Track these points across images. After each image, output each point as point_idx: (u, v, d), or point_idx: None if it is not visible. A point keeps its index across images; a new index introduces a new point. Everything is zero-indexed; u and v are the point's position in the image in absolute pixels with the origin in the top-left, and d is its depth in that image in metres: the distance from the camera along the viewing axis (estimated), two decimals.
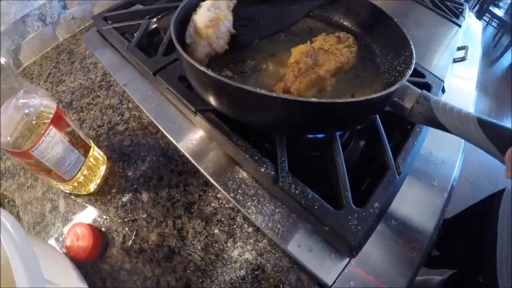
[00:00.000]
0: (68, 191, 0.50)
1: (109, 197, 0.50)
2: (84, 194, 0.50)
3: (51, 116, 0.43)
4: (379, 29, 0.54)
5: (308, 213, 0.40)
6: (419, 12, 0.78)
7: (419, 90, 0.41)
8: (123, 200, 0.49)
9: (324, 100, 0.34)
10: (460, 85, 0.67)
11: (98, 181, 0.51)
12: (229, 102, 0.39)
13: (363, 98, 0.34)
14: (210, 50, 0.47)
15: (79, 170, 0.48)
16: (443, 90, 0.59)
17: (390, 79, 0.49)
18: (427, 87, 0.56)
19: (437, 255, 0.93)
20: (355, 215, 0.40)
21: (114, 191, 0.50)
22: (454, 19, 0.78)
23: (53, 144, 0.43)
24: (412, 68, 0.42)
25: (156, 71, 0.52)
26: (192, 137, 0.49)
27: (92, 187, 0.50)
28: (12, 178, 0.55)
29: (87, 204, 0.50)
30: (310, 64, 0.45)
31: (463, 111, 0.38)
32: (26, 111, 0.41)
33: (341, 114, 0.38)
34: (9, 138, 0.40)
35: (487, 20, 3.14)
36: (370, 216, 0.40)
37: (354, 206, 0.40)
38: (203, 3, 0.50)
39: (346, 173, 0.42)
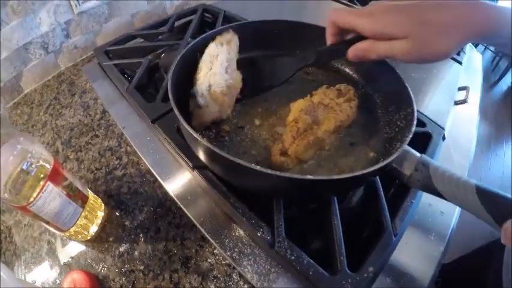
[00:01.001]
0: (67, 238, 0.50)
1: (106, 246, 0.49)
2: (82, 240, 0.50)
3: (49, 170, 0.43)
4: (381, 79, 0.53)
5: (303, 277, 0.40)
6: None
7: (418, 155, 0.40)
8: (121, 249, 0.48)
9: (311, 177, 0.33)
10: (460, 127, 0.66)
11: (96, 228, 0.50)
12: (224, 171, 0.39)
13: (355, 174, 0.34)
14: (218, 116, 0.46)
15: (76, 221, 0.47)
16: (443, 138, 0.58)
17: (390, 133, 0.48)
18: (428, 136, 0.55)
19: None
20: (349, 280, 0.39)
21: (111, 239, 0.49)
22: (455, 56, 0.76)
23: (50, 199, 0.43)
24: (413, 131, 0.41)
25: (154, 119, 0.52)
26: (190, 190, 0.48)
27: (90, 234, 0.50)
28: (9, 213, 0.54)
29: (84, 250, 0.49)
30: (309, 122, 0.45)
31: (461, 180, 0.37)
32: (24, 167, 0.41)
33: (336, 186, 0.37)
34: (6, 195, 0.40)
35: (485, 44, 3.10)
36: (364, 281, 0.39)
37: (348, 271, 0.39)
38: (209, 52, 0.49)
39: (342, 238, 0.41)
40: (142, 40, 0.72)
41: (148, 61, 0.62)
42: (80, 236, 0.49)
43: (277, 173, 0.33)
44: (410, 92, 0.46)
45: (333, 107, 0.47)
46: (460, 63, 0.76)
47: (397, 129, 0.47)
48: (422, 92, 0.66)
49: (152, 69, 0.64)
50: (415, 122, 0.42)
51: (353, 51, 0.42)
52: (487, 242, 0.73)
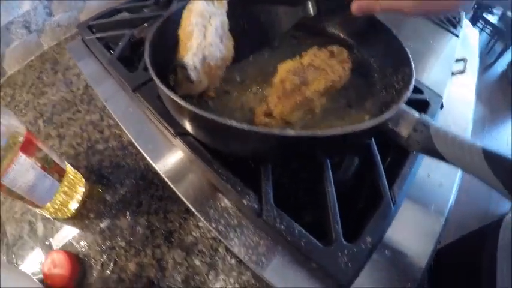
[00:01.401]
0: (47, 216, 0.46)
1: (87, 222, 0.46)
2: (63, 218, 0.46)
3: (21, 141, 0.39)
4: (377, 41, 0.49)
5: (294, 249, 0.36)
6: (416, 22, 0.74)
7: (417, 115, 0.36)
8: (101, 225, 0.45)
9: (293, 134, 0.29)
10: (458, 98, 0.62)
11: (76, 205, 0.47)
12: (204, 133, 0.35)
13: (345, 130, 0.30)
14: (206, 88, 0.43)
15: (54, 196, 0.44)
16: (441, 107, 0.55)
17: (387, 98, 0.44)
18: (425, 104, 0.51)
19: None
20: (345, 251, 0.35)
21: (92, 215, 0.46)
22: (452, 29, 0.73)
23: (23, 171, 0.40)
24: (411, 91, 0.37)
25: (135, 87, 0.48)
26: (173, 160, 0.44)
27: (70, 211, 0.46)
28: None
29: (65, 229, 0.46)
30: (297, 83, 0.41)
31: (466, 142, 0.33)
32: None
33: (324, 146, 0.34)
34: None
35: (481, 26, 3.07)
36: (361, 253, 0.36)
37: (344, 242, 0.36)
38: (199, 11, 0.44)
39: (336, 206, 0.37)
40: (127, 14, 0.69)
41: (131, 33, 0.58)
42: (60, 214, 0.46)
43: (255, 128, 0.29)
44: (408, 52, 0.42)
45: (324, 68, 0.43)
46: (457, 36, 0.73)
47: (394, 92, 0.43)
48: (419, 62, 0.62)
49: (138, 43, 0.60)
50: (413, 80, 0.39)
51: (357, 3, 0.40)
52: (480, 226, 0.70)
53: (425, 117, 0.36)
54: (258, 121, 0.38)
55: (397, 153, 0.47)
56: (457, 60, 0.65)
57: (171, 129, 0.43)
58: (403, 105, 0.36)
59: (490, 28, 2.99)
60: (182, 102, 0.31)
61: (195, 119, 0.33)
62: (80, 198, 0.47)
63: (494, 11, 2.95)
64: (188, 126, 0.37)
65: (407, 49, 0.43)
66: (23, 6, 0.69)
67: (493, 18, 2.97)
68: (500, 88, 2.51)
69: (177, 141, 0.43)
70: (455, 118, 0.58)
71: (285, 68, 0.42)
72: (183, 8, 0.45)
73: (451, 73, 0.62)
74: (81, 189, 0.47)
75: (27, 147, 0.40)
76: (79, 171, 0.48)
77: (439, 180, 0.50)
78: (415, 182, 0.47)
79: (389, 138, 0.37)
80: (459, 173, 0.52)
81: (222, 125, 0.30)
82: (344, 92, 0.45)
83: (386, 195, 0.40)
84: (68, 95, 0.60)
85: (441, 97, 0.55)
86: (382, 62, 0.48)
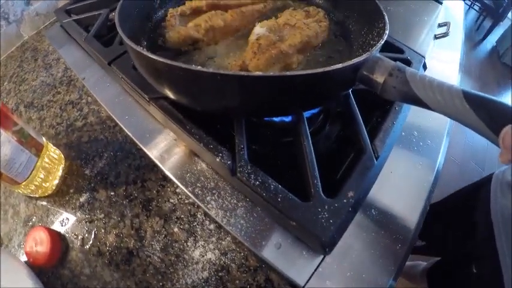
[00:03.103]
0: (28, 195, 0.44)
1: (67, 198, 0.44)
2: (44, 196, 0.44)
3: None
4: (352, 3, 0.47)
5: (271, 207, 0.34)
6: None
7: (393, 62, 0.34)
8: (81, 200, 0.43)
9: (260, 74, 0.27)
10: (443, 64, 0.60)
11: (56, 182, 0.45)
12: (173, 87, 0.33)
13: (318, 70, 0.28)
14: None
15: (32, 171, 0.42)
16: (424, 67, 0.52)
17: (363, 54, 0.42)
18: (406, 63, 0.49)
19: (421, 245, 0.85)
20: (326, 207, 0.33)
21: (72, 191, 0.44)
22: None
23: None
24: (385, 38, 0.35)
25: (111, 60, 0.46)
26: (149, 128, 0.42)
27: (50, 188, 0.44)
28: None
29: (46, 207, 0.44)
30: (273, 40, 0.39)
31: (445, 85, 0.30)
32: None
33: (299, 90, 0.31)
34: None
35: (469, 3, 3.00)
36: (343, 208, 0.33)
37: (323, 196, 0.33)
38: None
39: (314, 159, 0.35)
40: None
41: (107, 12, 0.56)
42: (40, 191, 0.44)
43: (220, 71, 0.27)
44: (381, 8, 0.40)
45: (300, 26, 0.41)
46: (441, 3, 0.70)
47: (370, 49, 0.41)
48: (399, 24, 0.60)
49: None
50: (387, 31, 0.36)
51: None
52: (472, 182, 0.68)
53: (401, 64, 0.34)
54: None
55: (380, 116, 0.44)
56: (440, 25, 0.62)
57: (144, 96, 0.41)
58: (377, 53, 0.34)
59: (479, 5, 2.91)
60: (144, 52, 0.29)
61: (160, 70, 0.31)
62: (60, 175, 0.45)
63: None
64: (158, 83, 0.34)
65: (380, 6, 0.40)
66: None
67: None
68: (490, 64, 2.46)
69: (151, 108, 0.41)
70: (439, 78, 0.55)
71: (261, 26, 0.40)
72: None
73: (434, 36, 0.59)
74: (61, 168, 0.45)
75: (2, 120, 0.38)
76: (59, 149, 0.47)
77: (425, 138, 0.47)
78: (400, 140, 0.45)
79: (365, 85, 0.35)
80: (446, 131, 0.49)
81: (186, 70, 0.28)
82: (321, 52, 0.43)
83: (368, 148, 0.38)
84: (48, 78, 0.58)
85: (423, 57, 0.52)
86: (358, 22, 0.46)
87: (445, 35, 0.59)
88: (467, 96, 0.29)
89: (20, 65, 0.64)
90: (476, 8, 2.96)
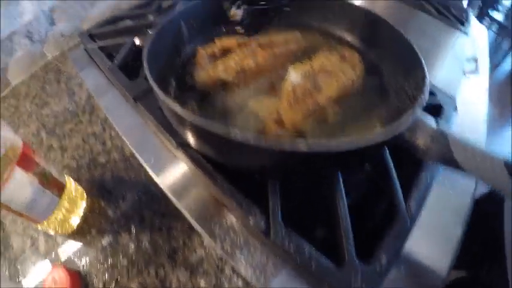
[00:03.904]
0: (48, 231, 0.43)
1: (89, 238, 0.42)
2: (64, 233, 0.43)
3: (17, 155, 0.36)
4: (386, 44, 0.44)
5: (304, 270, 0.32)
6: (424, 21, 0.68)
7: (434, 123, 0.32)
8: (103, 242, 0.41)
9: (305, 147, 0.25)
10: (471, 99, 0.57)
11: (78, 220, 0.43)
12: (205, 143, 0.31)
13: (360, 143, 0.26)
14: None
15: (53, 211, 0.40)
16: (455, 109, 0.49)
17: (399, 104, 0.39)
18: (439, 108, 0.46)
19: None
20: (359, 273, 0.31)
21: (94, 231, 0.42)
22: (460, 27, 0.67)
23: (20, 187, 0.36)
24: (427, 96, 0.33)
25: (136, 96, 0.44)
26: (175, 174, 0.40)
27: (71, 227, 0.43)
28: None
29: (67, 244, 0.42)
30: (308, 89, 0.37)
31: (487, 154, 0.29)
32: None
33: (336, 160, 0.29)
34: None
35: (487, 24, 2.88)
36: (376, 274, 0.32)
37: (357, 262, 0.32)
38: None
39: (349, 222, 0.33)
40: (129, 21, 0.65)
41: (133, 40, 0.54)
42: (61, 229, 0.42)
43: (262, 142, 0.25)
44: (419, 54, 0.38)
45: (336, 72, 0.39)
46: (466, 34, 0.67)
47: (406, 98, 0.39)
48: (429, 62, 0.56)
49: (140, 50, 0.56)
50: (427, 84, 0.34)
51: None
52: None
53: (443, 125, 0.32)
54: (268, 130, 0.34)
55: (412, 160, 0.42)
56: (468, 60, 0.59)
57: (172, 140, 0.39)
58: (418, 112, 0.32)
59: (497, 26, 2.82)
60: (178, 108, 0.27)
61: (193, 127, 0.29)
62: (82, 213, 0.44)
63: (500, 8, 2.80)
64: (188, 136, 0.32)
65: (417, 51, 0.38)
66: (25, 16, 0.66)
67: (498, 16, 2.82)
68: (509, 86, 2.36)
69: (179, 153, 0.39)
70: (469, 120, 0.53)
71: (296, 72, 0.38)
72: (181, 13, 0.42)
73: (462, 73, 0.57)
74: (82, 204, 0.44)
75: (24, 162, 0.36)
76: (81, 185, 0.45)
77: (454, 184, 0.45)
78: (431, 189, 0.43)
79: (405, 150, 0.33)
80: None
81: (223, 136, 0.26)
82: (355, 98, 0.40)
83: (402, 211, 0.36)
84: (71, 105, 0.56)
85: (454, 99, 0.49)
86: (392, 65, 0.43)
87: (474, 72, 0.56)
88: (509, 166, 0.27)
89: (43, 86, 0.62)
90: (494, 28, 2.86)
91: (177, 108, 0.27)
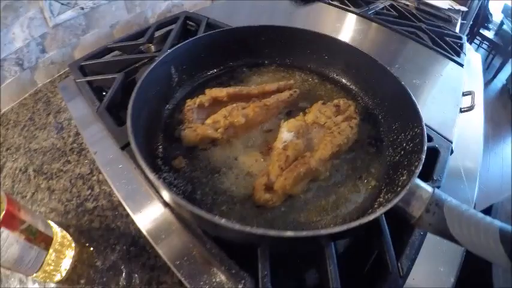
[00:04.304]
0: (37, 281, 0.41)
1: None
2: (53, 282, 0.41)
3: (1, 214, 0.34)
4: (384, 91, 0.43)
5: None
6: (419, 53, 0.67)
7: (430, 191, 0.31)
8: None
9: (291, 235, 0.24)
10: (467, 134, 0.56)
11: (67, 267, 0.41)
12: (195, 220, 0.29)
13: (364, 221, 0.25)
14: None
15: (42, 265, 0.39)
16: (451, 152, 0.48)
17: (394, 157, 0.38)
18: (435, 152, 0.45)
19: None
20: None
21: (83, 281, 0.40)
22: (456, 58, 0.66)
23: (6, 246, 0.35)
24: (422, 162, 0.32)
25: (124, 145, 0.42)
26: (164, 228, 0.39)
27: (60, 276, 0.41)
28: None
29: None
30: (301, 149, 0.35)
31: (482, 224, 0.28)
32: None
33: (327, 238, 0.28)
34: None
35: (478, 43, 2.89)
36: None
37: None
38: None
39: (339, 285, 0.32)
40: (120, 53, 0.63)
41: (123, 76, 0.53)
42: (49, 279, 0.40)
43: (247, 228, 0.24)
44: (418, 108, 0.36)
45: (330, 127, 0.37)
46: (462, 65, 0.66)
47: (402, 152, 0.37)
48: (425, 99, 0.56)
49: (130, 84, 0.55)
50: (425, 148, 0.33)
51: None
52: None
53: (439, 194, 0.31)
54: (258, 197, 0.33)
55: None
56: (464, 94, 0.58)
57: (160, 198, 0.37)
58: (415, 181, 0.31)
59: (487, 43, 2.83)
60: (164, 190, 0.26)
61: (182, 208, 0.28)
62: (70, 262, 0.42)
63: (490, 26, 2.80)
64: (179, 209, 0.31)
65: (417, 105, 0.37)
66: (16, 42, 0.63)
67: (489, 34, 2.81)
68: (500, 103, 2.36)
69: (168, 210, 0.38)
70: (465, 158, 0.51)
71: (288, 130, 0.36)
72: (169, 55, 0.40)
73: (459, 110, 0.55)
74: (70, 253, 0.42)
75: (9, 221, 0.35)
76: (68, 231, 0.43)
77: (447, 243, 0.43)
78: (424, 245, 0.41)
79: (398, 217, 0.31)
80: None
81: (211, 222, 0.24)
82: (349, 152, 0.39)
83: (394, 268, 0.35)
84: (59, 141, 0.54)
85: (451, 142, 0.48)
86: (389, 114, 0.42)
87: (470, 108, 0.55)
88: (504, 237, 0.27)
89: (32, 117, 0.60)
90: (485, 46, 2.86)
91: (165, 189, 0.26)
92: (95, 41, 0.71)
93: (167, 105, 0.44)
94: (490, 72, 2.75)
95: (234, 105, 0.40)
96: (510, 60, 2.55)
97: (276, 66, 0.50)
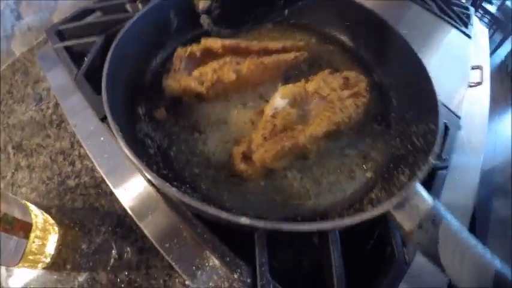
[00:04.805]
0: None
1: (65, 274, 0.37)
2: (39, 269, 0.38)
3: None
4: (403, 72, 0.37)
5: None
6: (426, 20, 0.61)
7: (429, 204, 0.26)
8: (80, 279, 0.36)
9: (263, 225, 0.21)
10: (474, 112, 0.51)
11: (51, 253, 0.38)
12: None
13: (355, 220, 0.21)
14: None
15: (23, 254, 0.35)
16: (459, 129, 0.44)
17: (400, 150, 0.33)
18: (444, 129, 0.40)
19: None
20: None
21: (69, 267, 0.37)
22: (463, 28, 0.60)
23: None
24: (430, 166, 0.27)
25: (104, 116, 0.37)
26: (151, 207, 0.35)
27: (45, 262, 0.37)
28: None
29: (43, 280, 0.37)
30: (292, 120, 0.30)
31: (480, 260, 0.24)
32: None
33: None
34: None
35: (479, 16, 2.74)
36: None
37: None
38: None
39: (343, 274, 0.29)
40: (101, 14, 0.55)
41: (103, 39, 0.46)
42: (34, 266, 0.37)
43: (235, 218, 0.20)
44: (438, 102, 0.31)
45: (333, 101, 0.32)
46: (469, 37, 0.60)
47: (410, 147, 0.32)
48: (432, 69, 0.51)
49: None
50: (435, 150, 0.28)
51: None
52: None
53: (438, 208, 0.26)
54: (235, 166, 0.28)
55: None
56: (473, 68, 0.53)
57: (145, 177, 0.33)
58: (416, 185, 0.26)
59: (489, 18, 2.66)
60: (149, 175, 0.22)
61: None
62: (54, 246, 0.38)
63: (493, 0, 2.66)
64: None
65: (438, 98, 0.31)
66: None
67: (491, 8, 2.67)
68: (498, 80, 2.27)
69: (154, 194, 0.34)
70: (471, 135, 0.48)
71: (283, 94, 0.31)
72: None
73: (467, 84, 0.51)
74: (54, 238, 0.38)
75: None
76: (50, 213, 0.39)
77: None
78: None
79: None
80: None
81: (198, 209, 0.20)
82: (348, 133, 0.34)
83: (400, 254, 0.31)
84: (38, 114, 0.49)
85: (459, 117, 0.44)
86: (404, 99, 0.37)
87: (478, 84, 0.50)
88: (498, 284, 0.22)
89: (10, 90, 0.54)
90: (486, 20, 2.72)
91: (149, 174, 0.21)
92: (74, 3, 0.63)
93: (155, 59, 0.38)
94: (490, 47, 2.65)
95: (228, 59, 0.34)
96: (510, 37, 2.46)
97: (275, 25, 0.44)
